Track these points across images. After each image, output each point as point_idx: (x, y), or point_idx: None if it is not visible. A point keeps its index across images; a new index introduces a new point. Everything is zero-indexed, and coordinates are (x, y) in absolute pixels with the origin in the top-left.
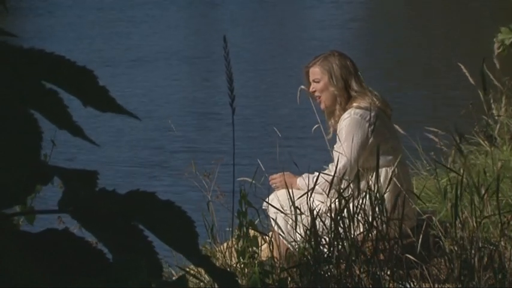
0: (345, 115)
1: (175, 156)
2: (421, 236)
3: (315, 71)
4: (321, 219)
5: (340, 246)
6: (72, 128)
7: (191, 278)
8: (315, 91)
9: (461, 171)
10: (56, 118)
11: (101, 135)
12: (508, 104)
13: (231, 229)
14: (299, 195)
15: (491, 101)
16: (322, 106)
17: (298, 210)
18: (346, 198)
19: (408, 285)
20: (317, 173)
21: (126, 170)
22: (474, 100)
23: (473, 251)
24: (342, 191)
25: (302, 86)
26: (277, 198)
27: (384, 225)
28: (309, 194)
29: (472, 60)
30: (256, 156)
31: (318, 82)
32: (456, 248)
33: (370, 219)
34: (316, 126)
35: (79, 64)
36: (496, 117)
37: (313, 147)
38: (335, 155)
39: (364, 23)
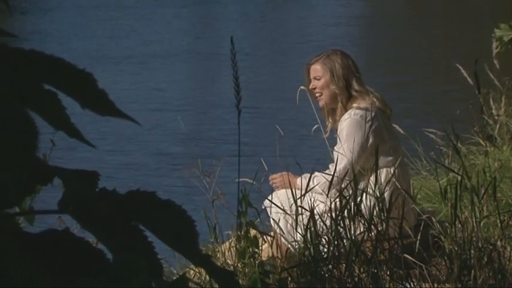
0: (345, 116)
1: (176, 155)
2: (419, 236)
3: (317, 69)
4: (323, 218)
5: (340, 246)
6: (69, 129)
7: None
8: (315, 88)
9: (460, 171)
10: (53, 119)
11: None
12: (508, 104)
13: (234, 228)
14: (299, 196)
15: (491, 101)
16: (321, 103)
17: (299, 210)
18: (347, 198)
19: (408, 285)
20: (317, 173)
21: (126, 169)
22: (474, 100)
23: (472, 251)
24: (342, 191)
25: (302, 87)
26: (277, 198)
27: (384, 225)
28: (307, 193)
29: (472, 61)
30: (258, 155)
31: (319, 80)
32: (456, 248)
33: (371, 219)
34: (316, 126)
35: (78, 67)
36: (496, 117)
37: (314, 147)
38: (335, 155)
39: (363, 22)
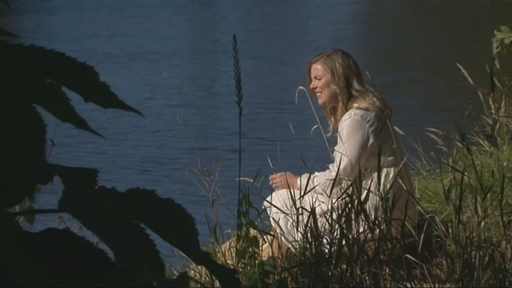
0: (345, 116)
1: (176, 155)
2: (422, 236)
3: (317, 68)
4: (325, 218)
5: (341, 246)
6: (75, 120)
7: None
8: (315, 88)
9: (466, 170)
10: (58, 111)
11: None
12: (508, 104)
13: (233, 228)
14: (299, 196)
15: (490, 101)
16: (321, 101)
17: (299, 210)
18: (349, 198)
19: (409, 285)
20: (317, 174)
21: (125, 169)
22: (474, 100)
23: (474, 251)
24: (344, 191)
25: (301, 87)
26: (278, 198)
27: (386, 225)
28: (308, 194)
29: (473, 60)
30: (259, 154)
31: (320, 79)
32: (457, 248)
33: (373, 219)
34: (316, 126)
35: (79, 60)
36: (496, 117)
37: (314, 147)
38: (336, 155)
39: (363, 21)
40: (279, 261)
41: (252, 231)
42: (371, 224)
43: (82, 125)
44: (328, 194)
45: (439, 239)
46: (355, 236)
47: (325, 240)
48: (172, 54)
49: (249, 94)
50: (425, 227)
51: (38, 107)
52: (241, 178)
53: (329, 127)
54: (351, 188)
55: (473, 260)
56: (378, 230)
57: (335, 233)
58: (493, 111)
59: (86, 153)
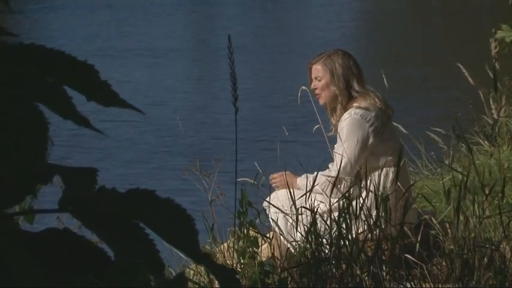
0: (345, 115)
1: (175, 155)
2: (419, 236)
3: (318, 69)
4: (322, 219)
5: (341, 246)
6: (76, 118)
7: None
8: (315, 88)
9: (466, 170)
10: (60, 109)
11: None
12: (508, 104)
13: (232, 229)
14: (299, 195)
15: (491, 101)
16: (322, 102)
17: (299, 210)
18: (348, 198)
19: (409, 285)
20: (317, 173)
21: (124, 169)
22: (474, 100)
23: (474, 251)
24: (346, 191)
25: (303, 87)
26: (277, 198)
27: (386, 225)
28: (309, 194)
29: (473, 60)
30: (258, 155)
31: (320, 80)
32: (457, 248)
33: (372, 219)
34: (317, 126)
35: (80, 59)
36: (496, 117)
37: (314, 146)
38: (335, 155)
39: (365, 19)
40: (279, 261)
41: (252, 231)
42: (371, 225)
43: (84, 123)
44: (328, 194)
45: (437, 239)
46: (354, 236)
47: (325, 241)
48: (173, 53)
49: (250, 93)
50: (421, 228)
51: (40, 106)
52: (242, 179)
53: (331, 126)
54: (351, 189)
55: (472, 260)
56: (377, 231)
57: (334, 233)
58: (493, 111)
59: (76, 148)
